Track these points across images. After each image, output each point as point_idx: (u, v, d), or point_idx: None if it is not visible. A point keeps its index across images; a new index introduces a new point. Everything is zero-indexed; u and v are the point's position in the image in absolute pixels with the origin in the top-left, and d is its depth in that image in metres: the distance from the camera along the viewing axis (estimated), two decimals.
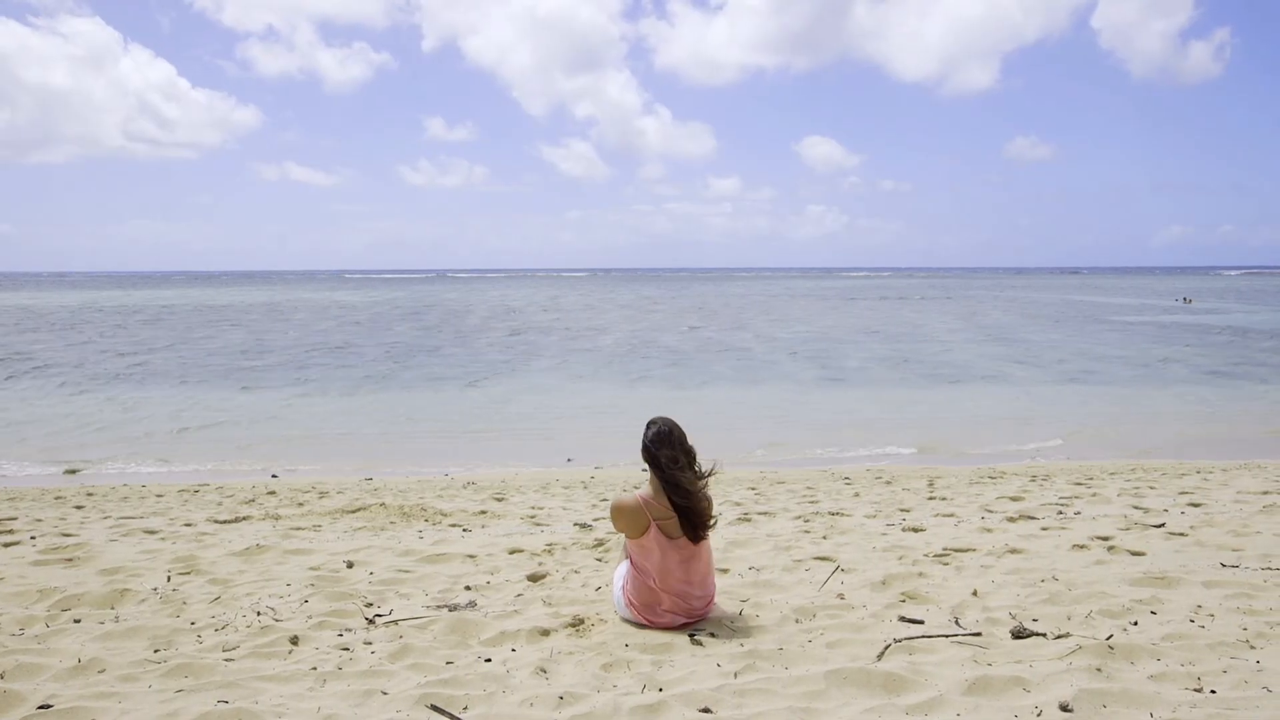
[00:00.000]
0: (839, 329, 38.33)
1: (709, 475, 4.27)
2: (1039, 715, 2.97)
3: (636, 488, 4.49)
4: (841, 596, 4.64)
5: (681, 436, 4.26)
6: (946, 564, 5.41)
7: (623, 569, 4.40)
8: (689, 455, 4.23)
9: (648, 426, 4.30)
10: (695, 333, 36.53)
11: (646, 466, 4.26)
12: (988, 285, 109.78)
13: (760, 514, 7.85)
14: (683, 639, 3.96)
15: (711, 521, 4.27)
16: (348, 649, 3.90)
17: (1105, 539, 6.04)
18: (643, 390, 20.64)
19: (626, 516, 4.21)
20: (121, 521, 7.70)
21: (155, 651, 3.85)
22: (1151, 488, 8.93)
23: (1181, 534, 6.16)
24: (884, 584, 4.87)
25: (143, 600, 4.74)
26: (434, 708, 3.02)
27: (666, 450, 4.17)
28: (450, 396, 19.81)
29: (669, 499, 4.16)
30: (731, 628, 4.16)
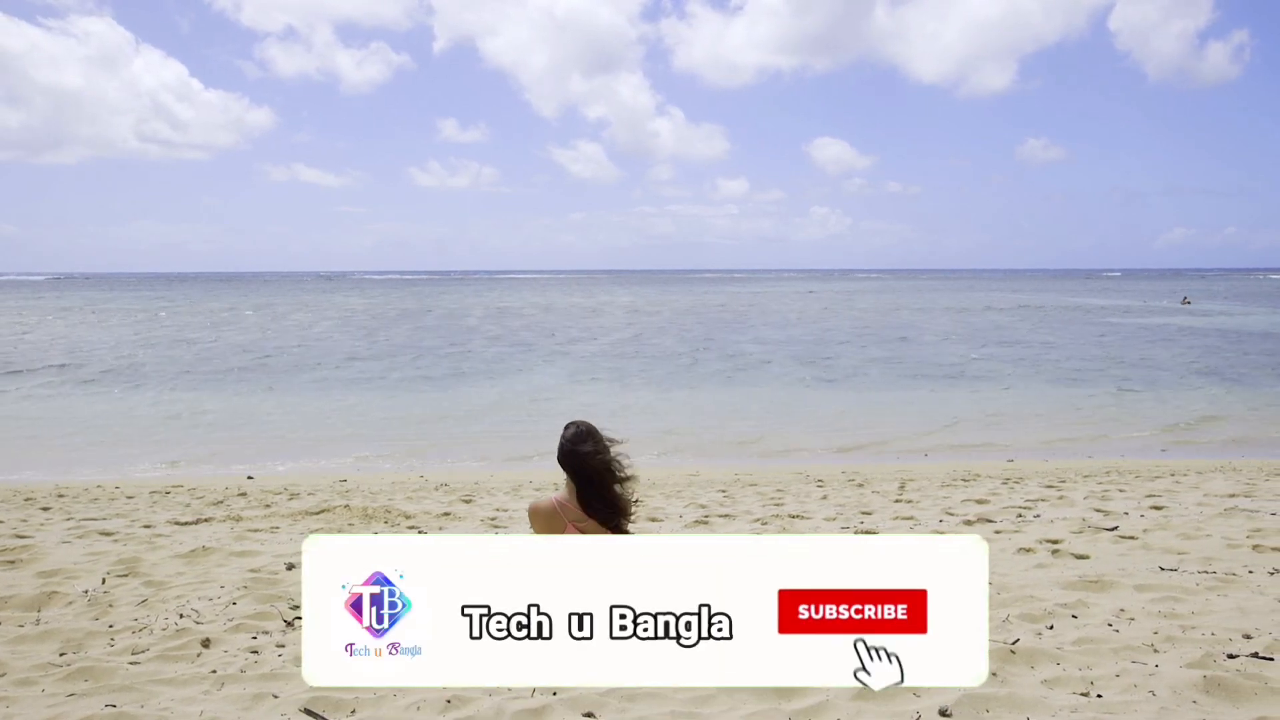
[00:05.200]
0: (835, 330, 38.22)
1: (627, 478, 4.23)
2: None
3: (556, 487, 4.46)
4: None
5: (599, 439, 4.23)
6: None
7: None
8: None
9: (565, 428, 4.27)
10: (694, 334, 36.49)
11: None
12: (990, 287, 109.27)
13: (721, 517, 7.82)
14: None
15: (628, 524, 4.23)
16: (257, 652, 3.89)
17: (1054, 542, 5.99)
18: (640, 390, 20.60)
19: (541, 520, 4.17)
20: (82, 523, 7.71)
21: (61, 655, 3.85)
22: (1120, 490, 8.86)
23: (1131, 537, 6.10)
24: None
25: (70, 603, 4.73)
26: (308, 712, 3.00)
27: (581, 449, 4.14)
28: (456, 395, 19.83)
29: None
30: None
